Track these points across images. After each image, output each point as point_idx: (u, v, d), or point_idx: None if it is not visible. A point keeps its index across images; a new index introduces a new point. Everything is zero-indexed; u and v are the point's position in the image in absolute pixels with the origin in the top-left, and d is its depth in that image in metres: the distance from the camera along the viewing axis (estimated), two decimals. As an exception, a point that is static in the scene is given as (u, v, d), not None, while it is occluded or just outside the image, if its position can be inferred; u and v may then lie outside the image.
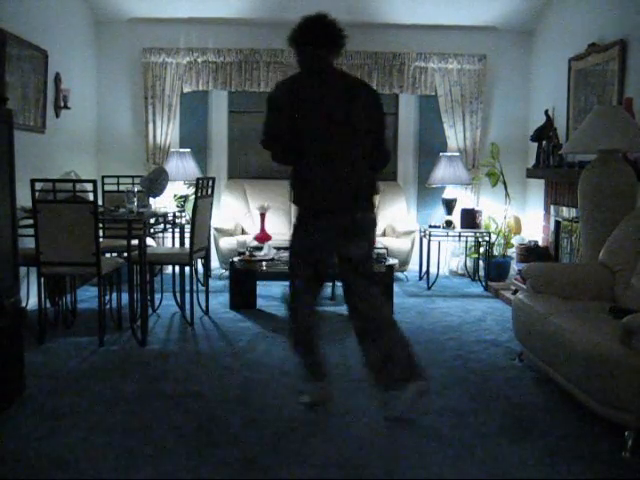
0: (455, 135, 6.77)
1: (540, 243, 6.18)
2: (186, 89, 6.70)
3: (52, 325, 4.52)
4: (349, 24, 7.01)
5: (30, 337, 4.03)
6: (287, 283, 3.26)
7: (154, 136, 6.67)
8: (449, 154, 6.61)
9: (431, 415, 3.12)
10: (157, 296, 5.16)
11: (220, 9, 6.42)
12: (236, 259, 5.25)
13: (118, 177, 5.43)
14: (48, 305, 4.52)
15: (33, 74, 5.22)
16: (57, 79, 5.69)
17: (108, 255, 4.78)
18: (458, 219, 6.45)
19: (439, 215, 6.73)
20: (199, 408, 3.18)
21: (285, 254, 4.88)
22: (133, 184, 5.09)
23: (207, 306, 5.01)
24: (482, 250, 6.48)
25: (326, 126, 2.97)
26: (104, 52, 6.68)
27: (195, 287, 4.95)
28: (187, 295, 4.87)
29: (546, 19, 6.45)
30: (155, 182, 4.83)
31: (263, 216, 6.02)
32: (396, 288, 5.42)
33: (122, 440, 2.80)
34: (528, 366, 3.84)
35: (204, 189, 4.71)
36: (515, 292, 5.35)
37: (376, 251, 5.25)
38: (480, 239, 6.44)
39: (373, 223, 3.15)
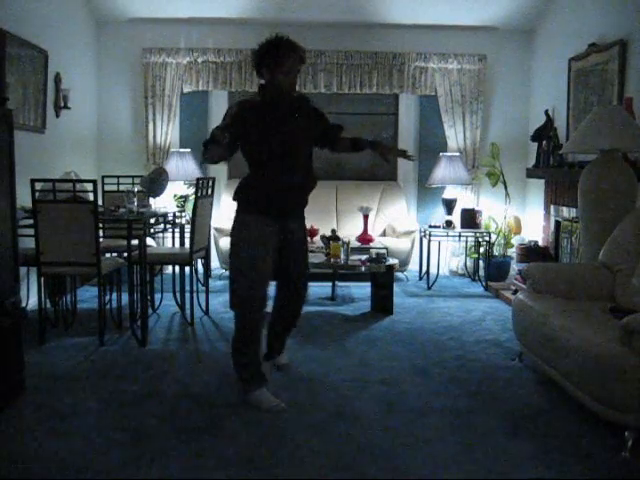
0: (455, 135, 6.77)
1: (540, 243, 6.17)
2: (186, 89, 6.71)
3: (52, 325, 4.52)
4: (349, 24, 7.08)
5: (30, 337, 4.03)
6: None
7: (154, 136, 6.67)
8: (449, 154, 6.61)
9: (431, 415, 3.12)
10: (157, 296, 5.16)
11: (220, 9, 6.42)
12: (236, 259, 5.23)
13: (118, 177, 5.44)
14: (48, 305, 4.52)
15: (33, 74, 5.22)
16: (57, 79, 5.69)
17: (108, 255, 4.78)
18: (458, 219, 6.44)
19: (439, 215, 6.73)
20: (199, 408, 3.17)
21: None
22: (133, 184, 5.10)
23: (207, 306, 5.01)
24: (482, 250, 6.48)
25: (284, 143, 3.21)
26: (104, 52, 6.68)
27: (195, 287, 4.95)
28: (187, 295, 4.87)
29: (546, 19, 6.45)
30: (155, 182, 4.83)
31: (263, 216, 6.00)
32: (396, 288, 5.42)
33: (122, 440, 2.81)
34: (528, 366, 3.84)
35: (204, 189, 4.71)
36: (515, 292, 5.35)
37: (376, 251, 5.27)
38: (480, 239, 6.44)
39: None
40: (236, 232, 3.28)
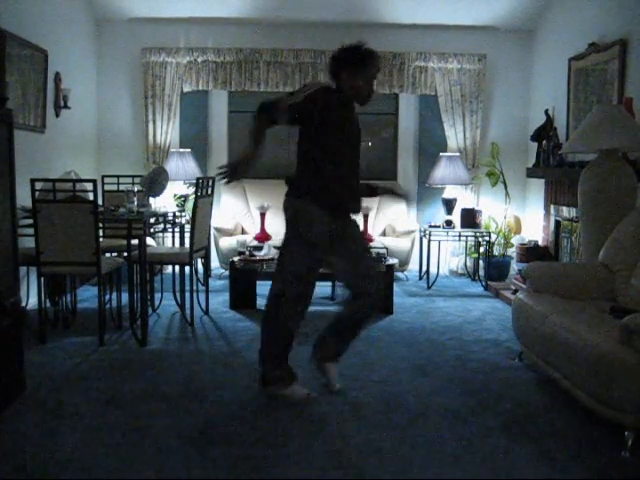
0: (455, 135, 6.77)
1: (540, 243, 6.18)
2: (186, 89, 6.71)
3: (52, 325, 4.52)
4: (349, 24, 7.07)
5: (30, 337, 4.03)
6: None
7: (154, 136, 6.67)
8: (449, 154, 6.61)
9: (431, 415, 3.13)
10: (157, 296, 5.16)
11: (220, 9, 6.42)
12: (236, 259, 5.25)
13: (118, 177, 5.44)
14: (48, 305, 4.52)
15: (33, 74, 5.22)
16: (57, 79, 5.69)
17: (108, 255, 4.78)
18: (458, 219, 6.45)
19: (439, 215, 6.73)
20: (199, 408, 3.18)
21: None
22: (133, 184, 5.09)
23: (207, 306, 5.01)
24: (482, 250, 6.48)
25: (354, 144, 3.29)
26: (104, 52, 6.68)
27: (195, 287, 4.95)
28: (187, 295, 4.87)
29: (546, 19, 6.45)
30: (155, 182, 4.83)
31: (263, 216, 6.02)
32: (396, 288, 5.42)
33: (122, 440, 2.81)
34: (528, 366, 3.84)
35: (204, 189, 4.71)
36: (515, 292, 5.35)
37: (376, 251, 5.27)
38: (480, 239, 6.44)
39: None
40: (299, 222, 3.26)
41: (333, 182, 3.20)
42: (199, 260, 5.32)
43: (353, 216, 3.40)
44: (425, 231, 6.42)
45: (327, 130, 3.15)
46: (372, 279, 3.32)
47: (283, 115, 3.10)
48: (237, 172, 3.10)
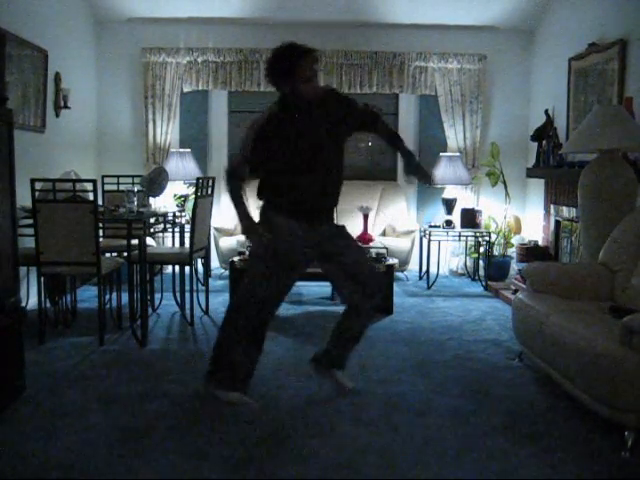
0: (455, 135, 6.77)
1: (540, 243, 6.18)
2: (186, 89, 6.71)
3: (52, 325, 4.52)
4: (349, 24, 7.08)
5: (30, 337, 4.03)
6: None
7: (154, 136, 6.67)
8: (449, 154, 6.61)
9: (431, 415, 3.13)
10: (157, 296, 5.17)
11: (220, 9, 6.42)
12: (236, 259, 5.24)
13: (118, 177, 5.44)
14: (48, 305, 4.52)
15: (33, 74, 5.22)
16: (57, 79, 5.69)
17: (108, 255, 4.78)
18: (458, 219, 6.45)
19: (439, 215, 6.73)
20: (199, 408, 3.18)
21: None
22: (133, 184, 5.10)
23: (207, 306, 5.01)
24: (482, 250, 6.48)
25: (313, 149, 3.11)
26: (104, 52, 6.68)
27: (195, 287, 4.95)
28: (187, 295, 4.87)
29: (546, 19, 6.45)
30: (155, 182, 4.84)
31: (263, 216, 6.01)
32: (396, 288, 5.42)
33: (122, 440, 2.81)
34: (528, 366, 3.84)
35: (204, 189, 4.71)
36: (515, 292, 5.35)
37: (376, 251, 5.27)
38: (480, 239, 6.44)
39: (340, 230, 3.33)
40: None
41: (295, 193, 3.13)
42: (199, 260, 5.32)
43: (329, 221, 3.25)
44: (425, 231, 6.42)
45: (276, 154, 3.13)
46: (369, 295, 3.24)
47: (245, 170, 3.19)
48: (252, 232, 3.18)
